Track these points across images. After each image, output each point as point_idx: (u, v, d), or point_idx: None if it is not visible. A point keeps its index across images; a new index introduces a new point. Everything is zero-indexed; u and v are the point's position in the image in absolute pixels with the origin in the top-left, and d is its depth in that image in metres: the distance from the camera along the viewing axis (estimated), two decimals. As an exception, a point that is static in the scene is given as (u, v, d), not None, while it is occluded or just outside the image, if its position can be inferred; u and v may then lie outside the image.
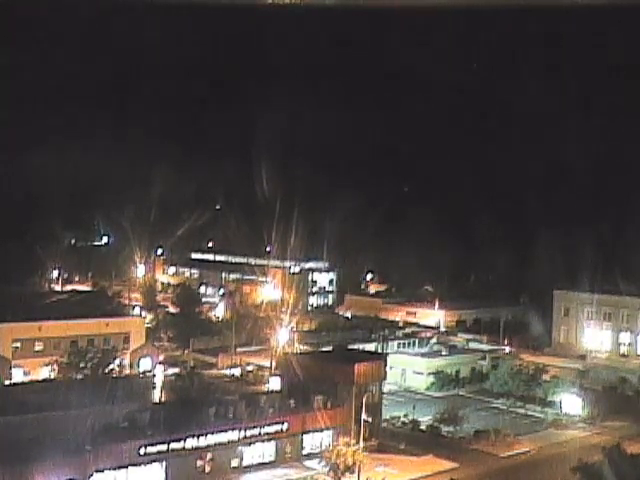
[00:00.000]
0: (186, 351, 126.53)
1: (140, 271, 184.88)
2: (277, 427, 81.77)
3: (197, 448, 76.08)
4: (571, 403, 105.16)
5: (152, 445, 73.20)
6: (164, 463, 74.10)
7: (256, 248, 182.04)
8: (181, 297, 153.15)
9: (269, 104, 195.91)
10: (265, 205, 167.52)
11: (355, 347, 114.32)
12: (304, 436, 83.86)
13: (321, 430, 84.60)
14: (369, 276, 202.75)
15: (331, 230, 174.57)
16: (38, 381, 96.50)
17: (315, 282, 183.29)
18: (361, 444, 78.68)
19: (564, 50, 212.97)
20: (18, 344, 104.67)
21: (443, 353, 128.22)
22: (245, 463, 79.79)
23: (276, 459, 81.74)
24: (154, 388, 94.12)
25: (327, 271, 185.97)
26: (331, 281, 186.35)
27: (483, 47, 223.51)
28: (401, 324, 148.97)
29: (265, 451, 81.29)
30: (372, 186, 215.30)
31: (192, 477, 75.97)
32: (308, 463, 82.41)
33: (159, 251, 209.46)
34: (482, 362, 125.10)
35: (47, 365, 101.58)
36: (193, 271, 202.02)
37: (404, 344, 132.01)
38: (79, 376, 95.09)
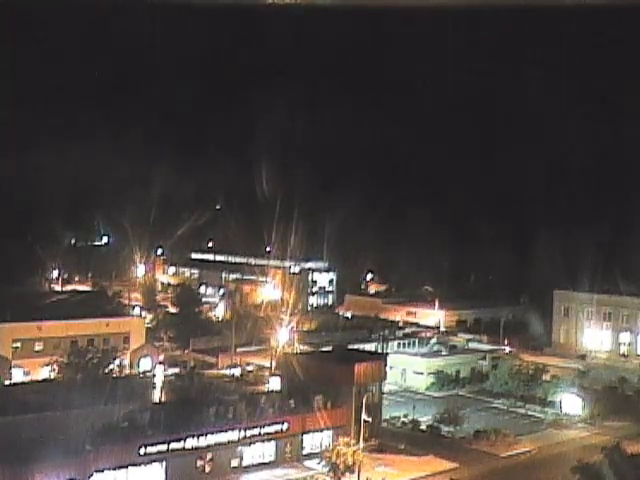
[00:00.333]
0: (186, 351, 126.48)
1: (140, 271, 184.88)
2: (277, 427, 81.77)
3: (197, 448, 76.08)
4: (571, 403, 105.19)
5: (152, 445, 73.21)
6: (164, 463, 74.10)
7: (256, 248, 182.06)
8: (181, 297, 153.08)
9: (269, 104, 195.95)
10: (265, 205, 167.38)
11: (355, 347, 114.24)
12: (304, 436, 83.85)
13: (321, 430, 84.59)
14: (369, 276, 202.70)
15: (331, 230, 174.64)
16: (38, 381, 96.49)
17: (315, 282, 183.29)
18: (361, 444, 78.64)
19: (564, 50, 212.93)
20: (18, 344, 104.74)
21: (443, 353, 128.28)
22: (245, 463, 79.79)
23: (276, 459, 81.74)
24: (154, 388, 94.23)
25: (327, 271, 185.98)
26: (331, 281, 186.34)
27: (483, 47, 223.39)
28: (401, 324, 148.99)
29: (265, 451, 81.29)
30: (372, 186, 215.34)
31: (192, 477, 75.97)
32: (308, 463, 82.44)
33: (159, 251, 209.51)
34: (482, 362, 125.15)
35: (47, 365, 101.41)
36: (193, 271, 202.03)
37: (404, 344, 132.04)
38: (79, 376, 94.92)
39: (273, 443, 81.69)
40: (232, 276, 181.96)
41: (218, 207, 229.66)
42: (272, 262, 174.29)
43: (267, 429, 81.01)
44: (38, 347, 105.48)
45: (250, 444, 79.95)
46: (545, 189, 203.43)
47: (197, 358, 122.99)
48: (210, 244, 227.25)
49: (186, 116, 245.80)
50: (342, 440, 78.81)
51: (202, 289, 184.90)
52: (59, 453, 66.86)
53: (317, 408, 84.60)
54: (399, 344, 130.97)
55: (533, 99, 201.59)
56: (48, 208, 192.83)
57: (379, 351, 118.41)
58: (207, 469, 77.17)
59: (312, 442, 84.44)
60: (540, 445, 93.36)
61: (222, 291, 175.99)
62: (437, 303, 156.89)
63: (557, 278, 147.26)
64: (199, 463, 76.59)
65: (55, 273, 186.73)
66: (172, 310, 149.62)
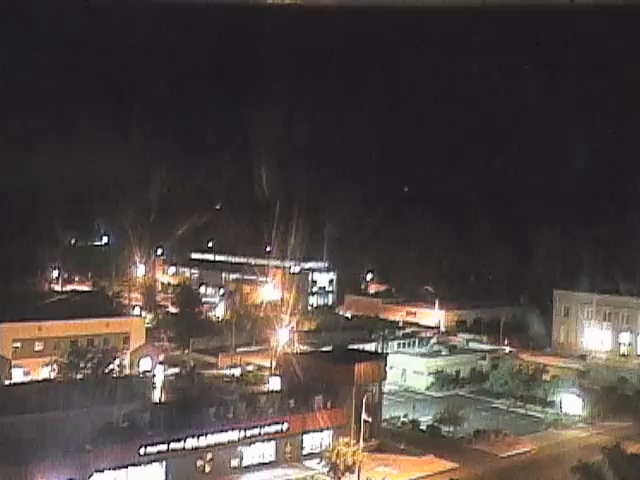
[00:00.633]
0: (186, 351, 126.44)
1: (140, 271, 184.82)
2: (277, 427, 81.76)
3: (197, 448, 76.07)
4: (571, 403, 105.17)
5: (152, 445, 73.21)
6: (164, 463, 74.11)
7: (256, 248, 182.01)
8: (181, 297, 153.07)
9: (269, 104, 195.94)
10: (265, 205, 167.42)
11: (355, 347, 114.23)
12: (304, 436, 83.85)
13: (321, 430, 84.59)
14: (369, 276, 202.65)
15: (331, 230, 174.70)
16: (38, 381, 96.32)
17: (315, 282, 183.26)
18: (361, 444, 78.61)
19: (564, 50, 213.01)
20: (18, 344, 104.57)
21: (443, 353, 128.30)
22: (245, 463, 79.79)
23: (276, 459, 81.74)
24: (154, 388, 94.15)
25: (327, 271, 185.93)
26: (331, 281, 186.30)
27: (483, 47, 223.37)
28: (401, 324, 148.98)
29: (265, 451, 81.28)
30: (372, 186, 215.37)
31: (192, 477, 75.97)
32: (308, 463, 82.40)
33: (159, 251, 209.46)
34: (482, 362, 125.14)
35: (47, 365, 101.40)
36: (193, 271, 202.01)
37: (404, 344, 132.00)
38: (79, 376, 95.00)
39: (273, 443, 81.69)
40: (232, 276, 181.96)
41: (218, 207, 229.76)
42: (272, 262, 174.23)
43: (267, 429, 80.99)
44: (38, 347, 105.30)
45: (250, 444, 79.95)
46: (545, 189, 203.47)
47: (197, 358, 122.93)
48: (210, 244, 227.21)
49: (186, 116, 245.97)
50: (342, 440, 78.85)
51: (202, 289, 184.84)
52: (59, 453, 66.88)
53: (317, 408, 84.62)
54: (399, 344, 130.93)
55: (534, 98, 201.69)
56: (48, 208, 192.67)
57: (379, 351, 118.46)
58: (207, 469, 77.17)
59: (312, 442, 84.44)
60: (540, 445, 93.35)
61: (222, 291, 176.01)
62: (437, 303, 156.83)
63: (557, 278, 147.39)
64: (199, 463, 76.58)
65: (55, 273, 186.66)
66: (172, 310, 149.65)
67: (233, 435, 78.68)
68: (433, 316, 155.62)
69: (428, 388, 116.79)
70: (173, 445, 74.50)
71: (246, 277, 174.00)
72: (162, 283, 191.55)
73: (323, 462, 78.83)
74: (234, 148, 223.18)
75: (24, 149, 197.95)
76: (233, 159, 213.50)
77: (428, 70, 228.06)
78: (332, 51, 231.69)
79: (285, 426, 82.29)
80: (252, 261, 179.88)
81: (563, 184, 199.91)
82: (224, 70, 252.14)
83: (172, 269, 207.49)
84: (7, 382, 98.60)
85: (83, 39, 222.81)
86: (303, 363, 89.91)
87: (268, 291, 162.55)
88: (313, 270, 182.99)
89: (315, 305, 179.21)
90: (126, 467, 71.61)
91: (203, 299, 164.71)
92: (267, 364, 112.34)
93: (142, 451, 72.59)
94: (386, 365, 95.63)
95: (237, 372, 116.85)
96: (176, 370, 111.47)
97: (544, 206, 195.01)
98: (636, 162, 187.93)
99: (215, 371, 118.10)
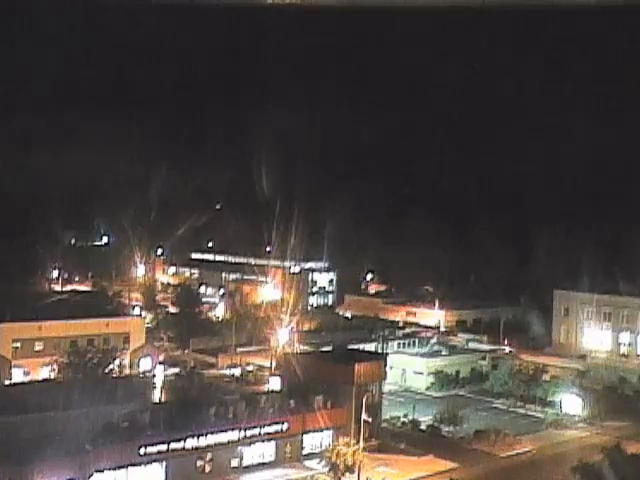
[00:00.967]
0: (186, 351, 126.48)
1: (140, 271, 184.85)
2: (277, 427, 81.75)
3: (197, 448, 76.08)
4: (571, 403, 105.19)
5: (152, 445, 73.21)
6: (164, 463, 74.11)
7: (256, 248, 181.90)
8: (181, 297, 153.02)
9: (269, 104, 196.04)
10: (265, 205, 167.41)
11: (355, 347, 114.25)
12: (304, 436, 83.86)
13: (321, 430, 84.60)
14: (369, 276, 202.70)
15: (331, 230, 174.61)
16: (38, 381, 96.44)
17: (315, 282, 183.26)
18: (361, 444, 78.57)
19: (564, 50, 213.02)
20: (18, 344, 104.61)
21: (443, 353, 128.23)
22: (245, 463, 79.80)
23: (276, 459, 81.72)
24: (154, 388, 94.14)
25: (327, 271, 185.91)
26: (331, 281, 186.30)
27: (483, 47, 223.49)
28: (401, 324, 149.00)
29: (265, 451, 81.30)
30: (372, 186, 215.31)
31: (192, 477, 75.97)
32: (308, 463, 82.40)
33: (159, 251, 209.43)
34: (482, 362, 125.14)
35: (47, 365, 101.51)
36: (193, 271, 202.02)
37: (404, 344, 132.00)
38: (79, 376, 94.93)
39: (273, 443, 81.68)
40: (232, 276, 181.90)
41: (218, 207, 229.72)
42: (272, 262, 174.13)
43: (267, 429, 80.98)
44: (38, 347, 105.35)
45: (250, 444, 79.95)
46: (545, 189, 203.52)
47: (197, 358, 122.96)
48: (210, 244, 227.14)
49: (186, 116, 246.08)
50: (342, 440, 78.86)
51: (202, 289, 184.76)
52: (59, 453, 66.81)
53: (317, 408, 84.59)
54: (399, 344, 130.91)
55: (534, 98, 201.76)
56: (48, 208, 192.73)
57: (379, 351, 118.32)
58: (207, 469, 77.17)
59: (312, 442, 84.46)
60: (540, 445, 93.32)
61: (222, 291, 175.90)
62: (437, 303, 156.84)
63: (557, 278, 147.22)
64: (199, 463, 76.59)
65: (55, 273, 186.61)
66: (172, 310, 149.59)
67: (233, 435, 78.67)
68: (433, 316, 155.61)
69: (428, 388, 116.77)
70: (173, 445, 74.50)
71: (246, 277, 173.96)
72: (162, 283, 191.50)
73: (323, 462, 78.85)
74: (234, 148, 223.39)
75: (24, 149, 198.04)
76: (233, 159, 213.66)
77: (428, 70, 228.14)
78: (332, 51, 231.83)
79: (285, 426, 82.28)
80: (252, 261, 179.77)
81: (563, 184, 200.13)
82: (224, 70, 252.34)
83: (172, 269, 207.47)
84: (7, 382, 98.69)
85: (83, 39, 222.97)
86: (303, 363, 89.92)
87: (268, 291, 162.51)
88: (313, 270, 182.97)
89: (315, 305, 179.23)
90: (126, 467, 71.61)
91: (203, 299, 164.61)
92: (267, 364, 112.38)
93: (142, 451, 72.59)
94: (386, 365, 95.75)
95: (237, 372, 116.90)
96: (176, 370, 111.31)
97: (544, 206, 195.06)
98: (636, 162, 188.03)
99: (215, 371, 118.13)
